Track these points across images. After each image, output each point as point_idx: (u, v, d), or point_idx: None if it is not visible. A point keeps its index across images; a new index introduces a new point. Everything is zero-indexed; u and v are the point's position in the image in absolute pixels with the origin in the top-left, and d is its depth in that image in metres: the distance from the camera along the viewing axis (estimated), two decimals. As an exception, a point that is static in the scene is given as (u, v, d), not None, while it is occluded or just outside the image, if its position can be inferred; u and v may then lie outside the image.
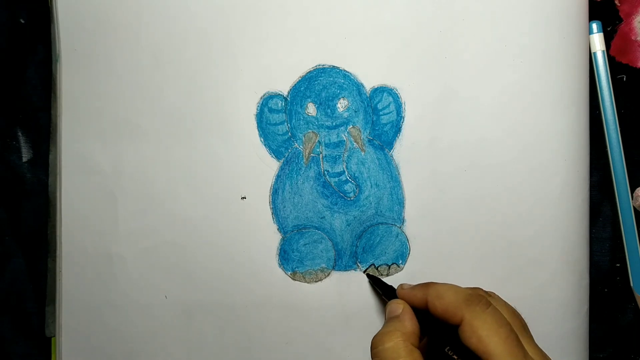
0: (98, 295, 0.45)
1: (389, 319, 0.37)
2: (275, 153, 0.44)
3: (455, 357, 0.33)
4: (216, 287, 0.45)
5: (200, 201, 0.45)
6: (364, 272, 0.44)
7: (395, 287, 0.41)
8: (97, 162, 0.45)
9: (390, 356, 0.34)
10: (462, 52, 0.44)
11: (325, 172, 0.45)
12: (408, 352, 0.34)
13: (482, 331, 0.33)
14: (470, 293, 0.35)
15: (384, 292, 0.42)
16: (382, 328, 0.36)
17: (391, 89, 0.44)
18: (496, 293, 0.44)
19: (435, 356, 0.35)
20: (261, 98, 0.44)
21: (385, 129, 0.44)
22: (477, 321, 0.33)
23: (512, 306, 0.37)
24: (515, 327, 0.34)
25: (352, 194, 0.45)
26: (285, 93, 0.44)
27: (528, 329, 0.36)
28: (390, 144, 0.44)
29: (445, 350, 0.34)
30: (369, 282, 0.44)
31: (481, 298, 0.35)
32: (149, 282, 0.45)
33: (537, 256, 0.44)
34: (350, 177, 0.45)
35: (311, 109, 0.44)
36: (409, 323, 0.36)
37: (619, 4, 0.47)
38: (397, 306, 0.38)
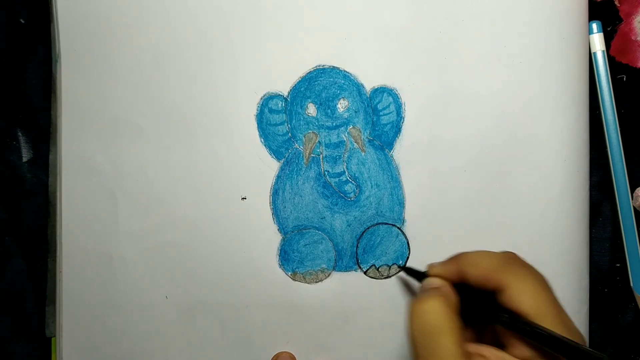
0: (98, 296, 0.45)
1: (427, 290, 0.36)
2: (276, 153, 0.44)
3: (508, 320, 0.33)
4: (216, 288, 0.45)
5: (201, 201, 0.45)
6: (401, 268, 0.44)
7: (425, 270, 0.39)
8: (97, 162, 0.45)
9: (432, 317, 0.32)
10: (462, 53, 0.44)
11: (326, 173, 0.45)
12: (450, 317, 0.32)
13: (528, 293, 0.32)
14: (504, 256, 0.35)
15: (418, 279, 0.41)
16: (421, 296, 0.34)
17: (391, 90, 0.44)
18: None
19: (480, 327, 0.35)
20: (261, 98, 0.44)
21: (385, 130, 0.45)
22: (521, 284, 0.33)
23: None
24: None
25: (352, 195, 0.45)
26: (285, 93, 0.44)
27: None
28: (390, 145, 0.44)
29: (502, 319, 0.33)
30: (402, 275, 0.44)
31: (516, 259, 0.34)
32: (150, 282, 0.45)
33: (537, 256, 0.44)
34: (350, 178, 0.45)
35: (311, 110, 0.44)
36: (451, 294, 0.35)
37: (619, 4, 0.47)
38: (434, 280, 0.36)
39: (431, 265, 0.38)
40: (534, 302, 0.32)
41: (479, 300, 0.35)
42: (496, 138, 0.44)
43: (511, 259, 0.34)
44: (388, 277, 0.45)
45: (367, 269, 0.45)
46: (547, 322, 0.31)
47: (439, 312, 0.33)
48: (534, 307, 0.32)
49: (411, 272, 0.42)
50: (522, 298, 0.32)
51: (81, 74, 0.45)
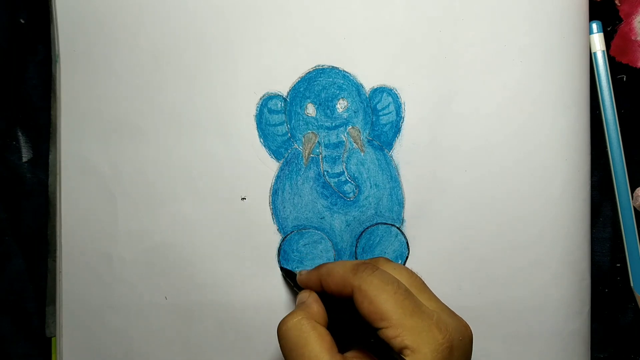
0: (98, 296, 0.45)
1: (295, 307, 0.37)
2: (275, 154, 0.44)
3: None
4: (216, 288, 0.45)
5: (200, 202, 0.45)
6: (281, 266, 0.44)
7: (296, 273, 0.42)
8: (96, 163, 0.45)
9: (294, 334, 0.34)
10: (462, 52, 0.44)
11: (325, 173, 0.45)
12: (312, 327, 0.34)
13: (370, 292, 0.33)
14: (357, 263, 0.35)
15: (291, 280, 0.42)
16: (286, 315, 0.36)
17: (391, 89, 0.44)
18: (496, 295, 0.44)
19: (352, 336, 0.35)
20: (261, 99, 0.44)
21: (384, 130, 0.44)
22: (364, 285, 0.33)
23: (406, 267, 0.37)
24: (410, 284, 0.35)
25: (351, 195, 0.45)
26: (284, 94, 0.44)
27: (426, 286, 0.36)
28: (389, 145, 0.44)
29: (371, 340, 0.33)
30: (282, 276, 0.44)
31: (367, 265, 0.35)
32: (149, 282, 0.45)
33: (538, 257, 0.44)
34: (349, 178, 0.45)
35: (311, 110, 0.44)
36: (314, 305, 0.36)
37: (619, 4, 0.47)
38: (304, 295, 0.38)
39: (299, 273, 0.40)
40: (371, 305, 0.32)
41: (341, 311, 0.36)
42: (496, 138, 0.44)
43: (364, 265, 0.35)
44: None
45: None
46: (391, 322, 0.32)
47: (299, 327, 0.34)
48: (372, 310, 0.32)
49: (287, 272, 0.44)
50: (363, 302, 0.33)
51: (81, 74, 0.45)
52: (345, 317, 0.35)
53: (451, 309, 0.35)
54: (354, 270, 0.34)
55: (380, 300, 0.32)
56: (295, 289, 0.42)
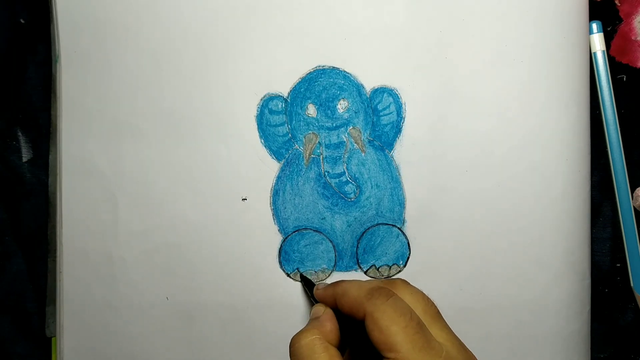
0: (99, 296, 0.45)
1: (309, 321, 0.37)
2: (276, 154, 0.44)
3: None
4: (217, 288, 0.45)
5: (201, 203, 0.45)
6: (301, 273, 0.44)
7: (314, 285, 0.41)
8: (96, 163, 0.45)
9: (305, 353, 0.33)
10: (463, 52, 0.44)
11: (326, 173, 0.45)
12: (324, 349, 0.34)
13: (382, 322, 0.32)
14: (372, 287, 0.35)
15: (311, 294, 0.42)
16: (302, 329, 0.36)
17: (391, 90, 0.44)
18: (496, 295, 0.44)
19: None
20: (261, 99, 0.44)
21: (385, 130, 0.44)
22: (377, 313, 0.33)
23: (423, 293, 0.36)
24: (424, 312, 0.34)
25: (352, 195, 0.45)
26: (285, 94, 0.44)
27: (440, 315, 0.35)
28: (390, 145, 0.44)
29: None
30: (301, 283, 0.44)
31: (382, 290, 0.34)
32: (150, 283, 0.45)
33: (538, 257, 0.44)
34: (350, 178, 0.45)
35: (311, 110, 0.44)
36: (328, 323, 0.36)
37: (619, 4, 0.47)
38: (319, 309, 0.37)
39: (316, 287, 0.40)
40: (381, 335, 0.32)
41: (352, 332, 0.35)
42: (497, 138, 0.44)
43: (379, 290, 0.34)
44: (388, 277, 0.45)
45: (367, 269, 0.45)
46: (399, 354, 0.31)
47: (311, 347, 0.34)
48: (381, 340, 0.32)
49: (306, 281, 0.44)
50: (374, 330, 0.32)
51: (81, 74, 0.45)
52: (357, 338, 0.35)
53: (454, 308, 0.35)
54: (369, 295, 0.34)
55: (391, 331, 0.32)
56: (312, 299, 0.41)
